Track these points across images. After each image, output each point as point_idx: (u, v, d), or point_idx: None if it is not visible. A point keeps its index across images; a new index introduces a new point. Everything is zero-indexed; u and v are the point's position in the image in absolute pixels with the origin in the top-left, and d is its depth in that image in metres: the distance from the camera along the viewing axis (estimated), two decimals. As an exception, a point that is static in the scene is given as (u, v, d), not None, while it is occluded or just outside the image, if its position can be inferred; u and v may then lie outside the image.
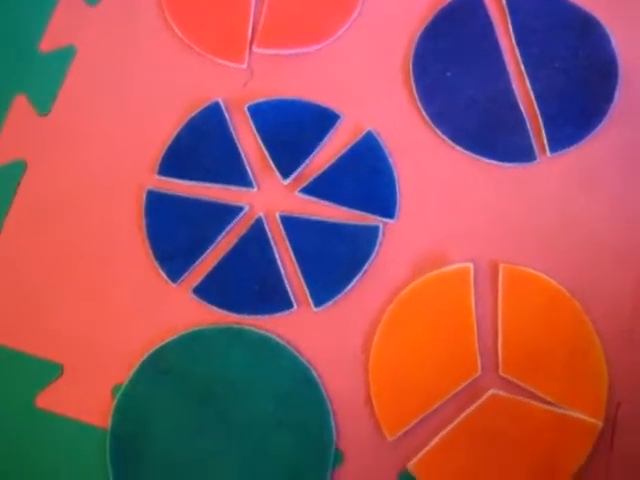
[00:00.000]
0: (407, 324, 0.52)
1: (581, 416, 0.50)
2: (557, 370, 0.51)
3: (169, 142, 0.58)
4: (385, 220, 0.55)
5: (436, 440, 0.50)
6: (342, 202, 0.55)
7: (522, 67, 0.57)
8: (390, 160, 0.56)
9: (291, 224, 0.55)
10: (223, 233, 0.55)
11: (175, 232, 0.56)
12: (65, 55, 0.61)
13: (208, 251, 0.55)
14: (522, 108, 0.56)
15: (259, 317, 0.54)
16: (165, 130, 0.58)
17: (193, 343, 0.53)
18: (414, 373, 0.51)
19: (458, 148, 0.56)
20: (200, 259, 0.55)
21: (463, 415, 0.50)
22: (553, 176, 0.55)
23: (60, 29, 0.62)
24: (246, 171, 0.57)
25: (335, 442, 0.51)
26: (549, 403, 0.50)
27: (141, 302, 0.55)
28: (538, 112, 0.56)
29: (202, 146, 0.57)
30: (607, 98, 0.56)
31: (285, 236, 0.55)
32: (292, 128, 0.57)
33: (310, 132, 0.57)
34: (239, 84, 0.59)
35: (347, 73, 0.59)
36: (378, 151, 0.56)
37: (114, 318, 0.55)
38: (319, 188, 0.56)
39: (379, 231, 0.54)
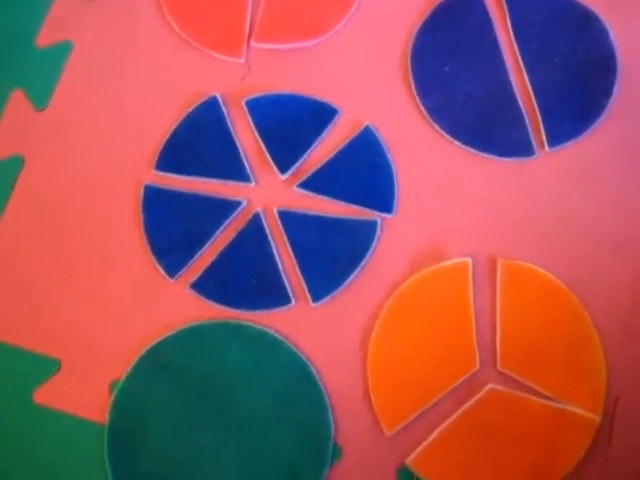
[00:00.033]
0: (405, 319, 0.52)
1: (579, 411, 0.50)
2: (555, 365, 0.51)
3: (167, 137, 0.57)
4: (383, 215, 0.55)
5: (434, 435, 0.50)
6: (340, 197, 0.55)
7: (520, 62, 0.57)
8: (388, 155, 0.56)
9: (289, 219, 0.55)
10: (221, 228, 0.55)
11: (173, 227, 0.55)
12: (62, 50, 0.61)
13: (206, 246, 0.55)
14: (520, 103, 0.56)
15: (257, 312, 0.53)
16: (163, 125, 0.58)
17: (191, 338, 0.53)
18: (412, 368, 0.51)
19: (456, 143, 0.56)
20: (198, 254, 0.55)
21: (461, 410, 0.50)
22: (551, 171, 0.55)
23: (57, 24, 0.62)
24: (244, 166, 0.56)
25: (333, 437, 0.51)
26: (547, 398, 0.50)
27: (139, 297, 0.55)
28: (536, 107, 0.56)
29: (200, 141, 0.57)
30: (606, 93, 0.56)
31: (283, 231, 0.55)
32: (290, 123, 0.57)
33: (308, 127, 0.57)
34: (237, 79, 0.59)
35: (345, 68, 0.59)
36: (376, 146, 0.56)
37: (112, 313, 0.55)
38: (317, 183, 0.55)
39: (377, 226, 0.54)
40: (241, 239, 0.55)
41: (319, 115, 0.57)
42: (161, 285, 0.55)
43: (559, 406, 0.50)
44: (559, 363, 0.51)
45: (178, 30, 0.61)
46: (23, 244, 0.57)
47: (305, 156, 0.56)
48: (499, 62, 0.57)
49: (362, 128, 0.56)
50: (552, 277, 0.52)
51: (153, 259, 0.55)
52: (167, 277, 0.55)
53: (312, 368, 0.52)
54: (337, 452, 0.51)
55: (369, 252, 0.54)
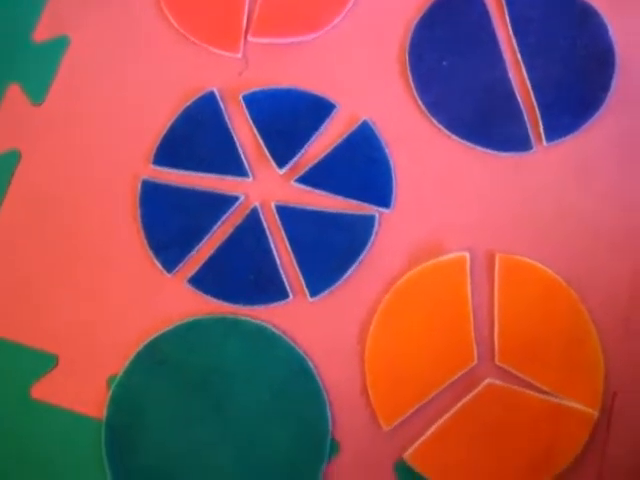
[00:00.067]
0: (403, 314, 0.52)
1: (577, 406, 0.50)
2: (553, 359, 0.51)
3: (164, 132, 0.57)
4: (381, 209, 0.55)
5: (432, 430, 0.50)
6: (338, 192, 0.55)
7: (519, 56, 0.57)
8: (386, 150, 0.56)
9: (287, 214, 0.55)
10: (218, 223, 0.55)
11: (170, 222, 0.55)
12: (59, 45, 0.61)
13: (203, 241, 0.55)
14: (518, 97, 0.56)
15: (255, 307, 0.53)
16: (160, 120, 0.58)
17: (188, 333, 0.53)
18: (410, 363, 0.51)
19: (454, 137, 0.56)
20: (195, 249, 0.55)
21: (459, 404, 0.50)
22: (550, 165, 0.55)
23: (54, 19, 0.62)
24: (241, 161, 0.56)
25: (331, 432, 0.51)
26: (545, 392, 0.50)
27: (136, 292, 0.55)
28: (535, 101, 0.56)
29: (197, 136, 0.57)
30: (604, 87, 0.56)
31: (281, 226, 0.55)
32: (287, 117, 0.57)
33: (306, 121, 0.57)
34: (234, 73, 0.59)
35: (343, 62, 0.59)
36: (374, 141, 0.56)
37: (109, 308, 0.55)
38: (315, 178, 0.55)
39: (375, 221, 0.54)
40: (239, 234, 0.55)
41: (317, 110, 0.57)
42: (159, 280, 0.55)
43: (557, 401, 0.50)
44: (557, 358, 0.51)
45: (176, 25, 0.60)
46: (20, 239, 0.57)
47: (303, 151, 0.56)
48: (497, 56, 0.57)
49: (360, 123, 0.56)
50: (550, 272, 0.52)
51: (151, 254, 0.55)
52: (165, 272, 0.55)
53: (310, 363, 0.52)
54: (335, 447, 0.51)
55: (367, 247, 0.54)
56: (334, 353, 0.52)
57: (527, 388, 0.50)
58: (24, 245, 0.56)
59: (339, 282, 0.53)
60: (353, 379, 0.52)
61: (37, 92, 0.60)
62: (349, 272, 0.53)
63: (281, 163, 0.56)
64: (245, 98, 0.58)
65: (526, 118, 0.55)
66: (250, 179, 0.56)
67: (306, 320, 0.53)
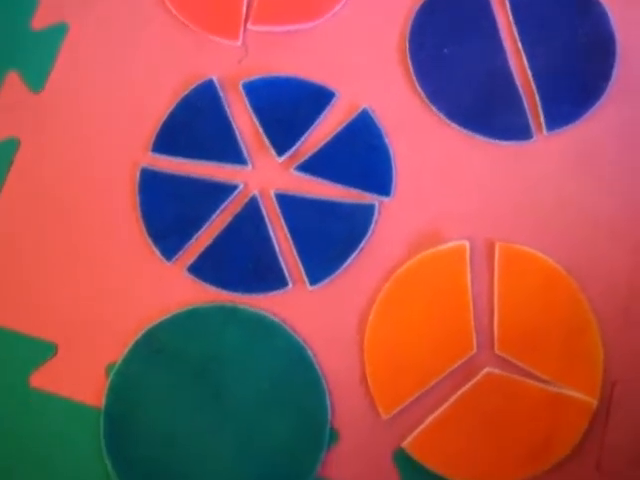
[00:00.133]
0: (403, 302, 0.52)
1: (576, 395, 0.50)
2: (553, 348, 0.51)
3: (163, 119, 0.57)
4: (381, 198, 0.55)
5: (431, 418, 0.50)
6: (337, 180, 0.55)
7: (519, 44, 0.57)
8: (386, 138, 0.56)
9: (286, 202, 0.55)
10: (218, 211, 0.55)
11: (169, 210, 0.55)
12: (58, 32, 0.61)
13: (202, 229, 0.55)
14: (519, 86, 0.56)
15: (254, 295, 0.53)
16: (159, 108, 0.58)
17: (187, 322, 0.53)
18: (410, 351, 0.51)
19: (454, 126, 0.56)
20: (194, 237, 0.55)
21: (458, 393, 0.50)
22: (550, 154, 0.55)
23: (52, 6, 0.61)
24: (241, 149, 0.56)
25: (330, 421, 0.51)
26: (544, 381, 0.50)
27: (135, 280, 0.55)
28: (535, 90, 0.56)
29: (196, 124, 0.57)
30: (605, 76, 0.55)
31: (280, 214, 0.55)
32: (287, 105, 0.57)
33: (305, 110, 0.56)
34: (234, 61, 0.59)
35: (343, 50, 0.58)
36: (374, 129, 0.56)
37: (108, 297, 0.54)
38: (314, 166, 0.55)
39: (375, 209, 0.54)
40: (238, 222, 0.55)
41: (316, 98, 0.57)
42: (158, 268, 0.55)
43: (556, 390, 0.50)
44: (557, 347, 0.51)
45: (175, 12, 0.60)
46: (18, 227, 0.56)
47: (302, 139, 0.56)
48: (498, 45, 0.57)
49: (360, 111, 0.56)
50: (550, 261, 0.52)
51: (150, 242, 0.55)
52: (164, 260, 0.54)
53: (309, 352, 0.52)
54: (334, 436, 0.51)
55: (367, 235, 0.54)
56: (333, 342, 0.52)
57: (526, 377, 0.50)
58: (22, 233, 0.56)
59: (339, 271, 0.53)
60: (352, 368, 0.52)
61: (36, 80, 0.60)
62: (349, 261, 0.53)
63: (280, 151, 0.56)
64: (245, 86, 0.57)
65: (526, 107, 0.55)
66: (249, 167, 0.56)
67: (305, 309, 0.53)
